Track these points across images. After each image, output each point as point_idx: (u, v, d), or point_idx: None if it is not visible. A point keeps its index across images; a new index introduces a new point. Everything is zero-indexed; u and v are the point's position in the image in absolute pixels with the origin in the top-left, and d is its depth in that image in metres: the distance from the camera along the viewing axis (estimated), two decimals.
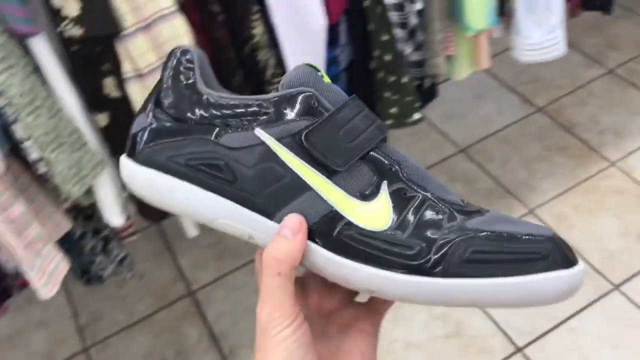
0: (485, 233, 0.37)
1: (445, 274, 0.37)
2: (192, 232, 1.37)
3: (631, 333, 1.38)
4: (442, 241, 0.37)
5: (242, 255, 1.65)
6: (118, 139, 1.03)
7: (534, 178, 1.72)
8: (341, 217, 0.38)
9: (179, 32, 0.91)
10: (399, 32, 1.14)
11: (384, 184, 0.39)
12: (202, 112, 0.40)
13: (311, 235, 0.39)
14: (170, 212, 0.40)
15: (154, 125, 0.40)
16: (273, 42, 1.05)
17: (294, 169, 0.38)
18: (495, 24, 1.23)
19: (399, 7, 1.12)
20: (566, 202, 1.65)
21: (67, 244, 1.17)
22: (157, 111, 0.41)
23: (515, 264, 0.36)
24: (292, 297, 0.37)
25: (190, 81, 0.41)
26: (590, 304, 1.44)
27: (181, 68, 0.41)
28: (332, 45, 1.13)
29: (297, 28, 1.01)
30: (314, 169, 0.38)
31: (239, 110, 0.40)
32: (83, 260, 1.27)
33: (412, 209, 0.38)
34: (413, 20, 1.16)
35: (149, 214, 1.15)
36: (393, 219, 0.38)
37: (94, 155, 0.99)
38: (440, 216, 0.38)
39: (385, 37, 1.13)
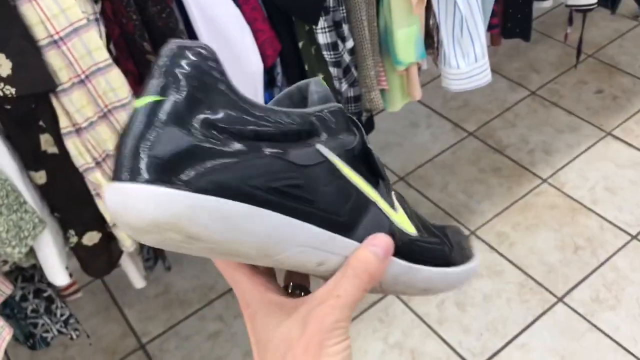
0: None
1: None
2: (140, 283, 1.34)
3: (578, 342, 1.43)
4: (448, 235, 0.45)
5: (191, 303, 1.62)
6: (58, 196, 1.00)
7: (472, 200, 1.78)
8: (398, 228, 0.39)
9: (115, 84, 0.91)
10: (334, 70, 1.17)
11: (393, 193, 0.40)
12: (263, 126, 0.33)
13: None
14: (232, 250, 0.32)
15: (203, 144, 0.31)
16: None
17: (355, 184, 0.37)
18: (423, 56, 1.27)
19: (333, 47, 1.15)
20: (505, 221, 1.71)
21: (7, 308, 1.13)
22: (203, 126, 0.31)
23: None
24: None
25: (234, 89, 0.34)
26: (537, 319, 1.49)
27: (213, 73, 0.33)
28: (271, 86, 1.15)
29: (236, 72, 1.02)
30: (368, 183, 0.38)
31: (294, 125, 0.35)
32: (26, 324, 1.22)
33: (408, 210, 0.42)
34: (347, 58, 1.19)
35: (92, 269, 1.11)
36: (414, 225, 0.41)
37: (33, 215, 0.96)
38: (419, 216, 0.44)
39: (320, 76, 1.16)
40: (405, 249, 0.39)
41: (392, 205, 0.39)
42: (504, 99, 2.06)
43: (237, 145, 0.31)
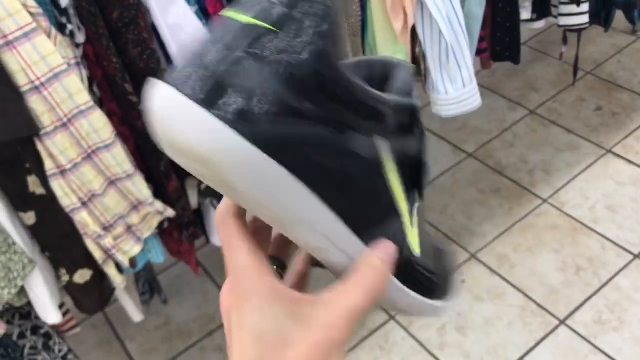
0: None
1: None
2: (137, 317, 1.35)
3: None
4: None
5: (191, 335, 1.62)
6: (47, 236, 1.02)
7: (472, 222, 1.77)
8: (408, 246, 0.36)
9: (98, 126, 0.92)
10: None
11: (416, 204, 0.37)
12: (337, 96, 0.29)
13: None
14: (246, 200, 0.30)
15: (269, 93, 0.27)
16: None
17: (392, 190, 0.34)
18: None
19: None
20: (506, 243, 1.70)
21: (1, 347, 1.14)
22: (277, 76, 0.27)
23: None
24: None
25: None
26: (539, 342, 1.47)
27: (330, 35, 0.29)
28: None
29: None
30: (404, 194, 0.35)
31: (364, 106, 0.31)
32: None
33: (422, 220, 0.38)
34: None
35: (85, 307, 1.12)
36: (420, 246, 0.37)
37: (22, 256, 0.97)
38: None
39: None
40: (404, 270, 0.36)
41: (412, 222, 0.36)
42: (503, 119, 2.06)
43: (301, 105, 0.28)
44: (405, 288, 0.37)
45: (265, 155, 0.27)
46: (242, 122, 0.27)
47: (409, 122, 0.34)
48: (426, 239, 0.39)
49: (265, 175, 0.28)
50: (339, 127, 0.30)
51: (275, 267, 0.38)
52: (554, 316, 1.51)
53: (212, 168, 0.27)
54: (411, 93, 0.34)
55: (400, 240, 0.35)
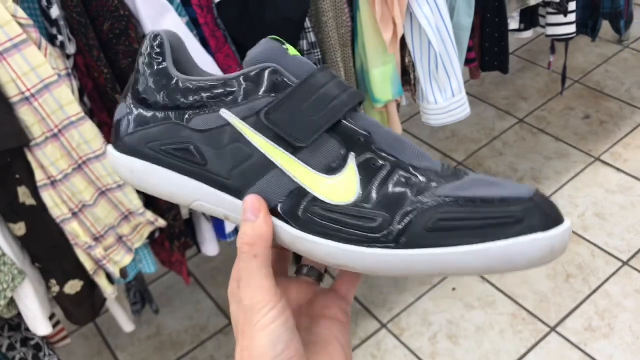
0: (453, 199, 0.35)
1: (408, 245, 0.35)
2: (128, 327, 1.34)
3: None
4: (406, 210, 0.36)
5: (182, 345, 1.61)
6: (37, 246, 1.02)
7: None
8: (306, 193, 0.37)
9: (88, 137, 0.92)
10: None
11: (351, 156, 0.38)
12: (173, 96, 0.40)
13: (278, 213, 0.38)
14: (155, 196, 0.41)
15: (130, 114, 0.41)
16: None
17: (259, 147, 0.38)
18: (400, 94, 1.29)
19: None
20: None
21: None
22: (134, 99, 0.41)
23: (485, 229, 0.34)
24: (272, 279, 0.37)
25: (161, 66, 0.40)
26: (530, 349, 1.48)
27: (153, 53, 0.41)
28: None
29: None
30: (278, 146, 0.38)
31: (205, 93, 0.39)
32: None
33: (379, 179, 0.37)
34: None
35: (76, 317, 1.12)
36: (359, 192, 0.37)
37: (11, 267, 0.97)
38: (409, 185, 0.37)
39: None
40: (309, 217, 0.37)
41: (326, 171, 0.37)
42: (492, 128, 2.08)
43: (148, 114, 0.40)
44: (307, 235, 0.37)
45: (127, 157, 0.40)
46: (119, 143, 0.41)
47: (265, 82, 0.38)
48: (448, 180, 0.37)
49: (133, 170, 0.40)
50: (172, 117, 0.40)
51: (312, 277, 0.44)
52: (544, 323, 1.52)
53: (118, 175, 0.42)
54: (267, 59, 0.39)
55: (287, 188, 0.37)
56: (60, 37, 0.89)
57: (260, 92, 0.38)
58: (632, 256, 1.63)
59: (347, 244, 0.36)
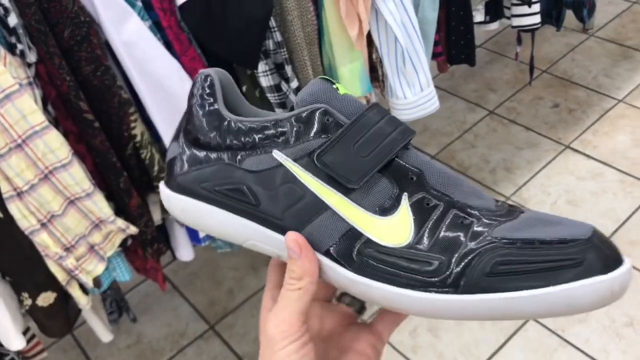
0: (510, 241, 0.35)
1: (467, 290, 0.34)
2: (106, 337, 1.33)
3: (551, 359, 1.43)
4: (462, 253, 0.35)
5: (162, 352, 1.60)
6: (7, 260, 1.00)
7: None
8: (360, 235, 0.37)
9: (54, 146, 0.91)
10: (279, 112, 1.18)
11: (404, 196, 0.37)
12: (226, 137, 0.40)
13: (332, 256, 0.38)
14: (208, 234, 0.43)
15: (184, 154, 0.42)
16: (155, 137, 1.07)
17: (311, 188, 0.38)
18: (369, 90, 1.29)
19: (276, 88, 1.16)
20: None
21: None
22: (186, 139, 0.42)
23: (544, 273, 0.33)
24: (305, 314, 0.37)
25: (212, 107, 0.41)
26: (509, 339, 1.49)
27: (204, 95, 0.41)
28: None
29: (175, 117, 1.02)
30: (330, 188, 0.38)
31: (257, 134, 0.39)
32: None
33: (433, 220, 0.37)
34: (293, 99, 1.20)
35: (51, 330, 1.10)
36: (413, 233, 0.36)
37: None
38: (464, 225, 0.36)
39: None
40: (364, 260, 0.37)
41: (379, 212, 0.37)
42: (463, 121, 2.09)
43: (201, 154, 0.41)
44: (360, 278, 0.37)
45: (181, 196, 0.41)
46: (172, 182, 0.42)
47: (315, 124, 0.39)
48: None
49: (186, 209, 0.41)
50: (226, 158, 0.40)
51: (353, 308, 0.45)
52: None
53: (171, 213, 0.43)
54: (317, 100, 0.39)
55: (341, 230, 0.37)
56: (20, 46, 0.87)
57: (312, 134, 0.38)
58: None
59: (404, 288, 0.36)
